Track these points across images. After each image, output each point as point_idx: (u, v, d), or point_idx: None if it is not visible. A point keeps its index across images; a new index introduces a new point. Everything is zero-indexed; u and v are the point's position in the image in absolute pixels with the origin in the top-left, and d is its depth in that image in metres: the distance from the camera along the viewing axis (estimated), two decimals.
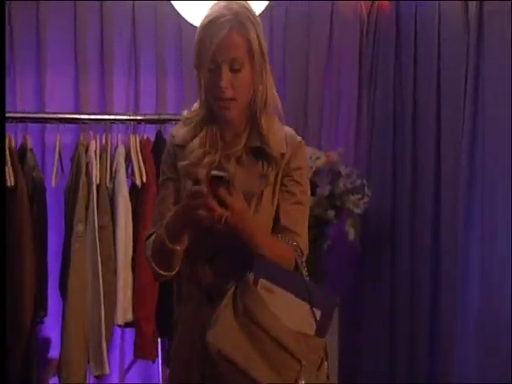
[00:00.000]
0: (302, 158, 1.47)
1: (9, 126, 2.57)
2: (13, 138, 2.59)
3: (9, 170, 2.49)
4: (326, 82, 3.21)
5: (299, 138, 1.48)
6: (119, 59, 2.92)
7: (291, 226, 1.43)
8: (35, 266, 2.53)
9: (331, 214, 2.88)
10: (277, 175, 1.43)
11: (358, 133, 3.27)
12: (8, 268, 2.43)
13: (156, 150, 2.70)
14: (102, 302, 2.53)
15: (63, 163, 2.65)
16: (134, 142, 2.68)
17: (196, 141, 1.44)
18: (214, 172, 1.30)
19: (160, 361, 2.73)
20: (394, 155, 3.14)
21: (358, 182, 2.94)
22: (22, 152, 2.62)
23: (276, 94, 1.45)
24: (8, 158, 2.50)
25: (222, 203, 1.29)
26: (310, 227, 1.50)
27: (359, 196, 2.92)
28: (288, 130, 1.49)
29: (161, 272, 1.40)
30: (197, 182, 1.30)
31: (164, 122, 2.78)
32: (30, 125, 2.66)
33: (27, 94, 2.81)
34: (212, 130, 1.45)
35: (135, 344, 2.65)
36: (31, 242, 2.53)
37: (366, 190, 2.95)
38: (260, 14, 1.60)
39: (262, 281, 1.34)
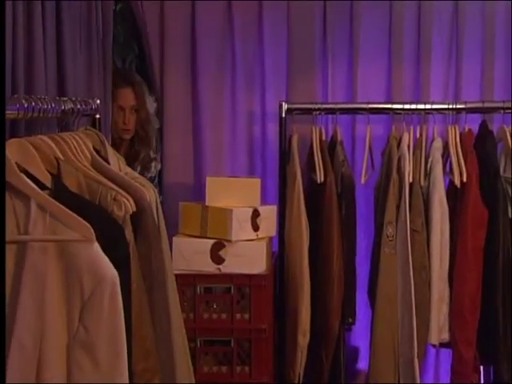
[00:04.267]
0: None
1: (319, 118, 2.46)
2: (323, 130, 2.46)
3: (318, 163, 2.37)
4: None
5: None
6: (438, 45, 2.62)
7: None
8: (343, 267, 2.36)
9: None
10: None
11: None
12: (317, 267, 2.31)
13: (479, 144, 2.34)
14: (414, 315, 2.24)
15: (374, 157, 2.44)
16: (453, 134, 2.34)
17: None
18: None
19: None
20: None
21: None
22: (332, 145, 2.47)
23: None
24: (318, 151, 2.39)
25: None
26: None
27: None
28: None
29: None
30: None
31: (489, 110, 2.39)
32: (340, 116, 2.50)
33: (339, 85, 2.67)
34: None
35: (453, 369, 2.29)
36: (339, 242, 2.36)
37: None
38: None
39: None
